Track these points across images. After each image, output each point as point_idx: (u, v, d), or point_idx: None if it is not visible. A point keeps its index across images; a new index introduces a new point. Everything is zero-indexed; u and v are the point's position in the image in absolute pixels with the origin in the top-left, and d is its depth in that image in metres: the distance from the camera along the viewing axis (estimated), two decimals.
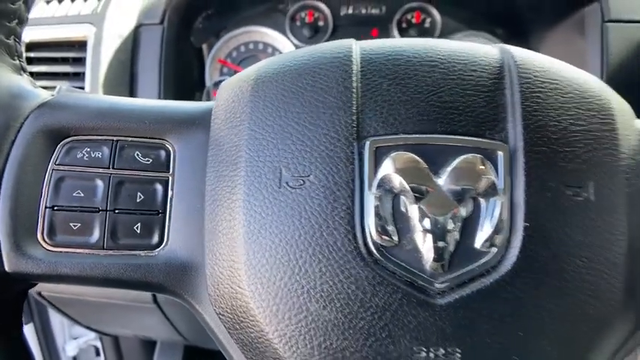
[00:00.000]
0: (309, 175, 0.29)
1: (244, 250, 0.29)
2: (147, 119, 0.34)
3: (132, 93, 0.86)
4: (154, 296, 0.88)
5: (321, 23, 1.02)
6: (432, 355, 0.28)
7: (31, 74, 0.89)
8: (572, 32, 0.86)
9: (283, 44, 1.03)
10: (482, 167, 0.29)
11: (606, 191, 0.30)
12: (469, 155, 0.29)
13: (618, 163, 0.31)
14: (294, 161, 0.29)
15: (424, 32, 1.00)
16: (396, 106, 0.30)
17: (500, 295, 0.28)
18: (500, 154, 0.29)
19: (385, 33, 1.02)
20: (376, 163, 0.29)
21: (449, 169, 0.29)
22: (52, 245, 0.31)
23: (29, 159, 0.31)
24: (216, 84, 1.02)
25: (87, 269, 0.31)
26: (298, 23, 1.02)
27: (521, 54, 0.34)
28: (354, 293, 0.28)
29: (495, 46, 0.35)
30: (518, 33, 0.99)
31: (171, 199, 0.32)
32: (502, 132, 0.30)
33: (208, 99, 1.01)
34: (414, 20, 1.02)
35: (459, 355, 0.28)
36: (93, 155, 0.32)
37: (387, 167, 0.29)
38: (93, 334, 1.48)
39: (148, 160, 0.33)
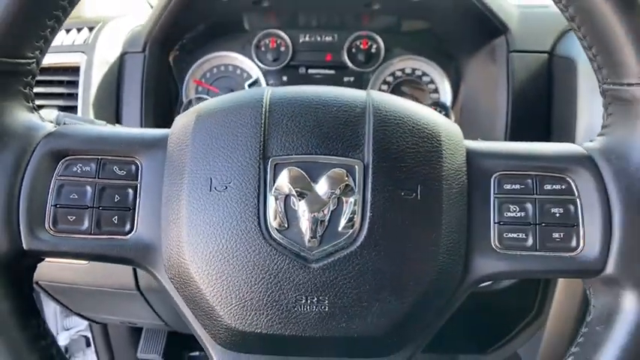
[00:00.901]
0: (230, 182, 0.45)
1: (186, 234, 0.44)
2: (123, 143, 0.50)
3: (117, 112, 1.02)
4: (137, 284, 1.03)
5: (282, 49, 1.19)
6: (309, 301, 0.44)
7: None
8: (487, 60, 1.03)
9: (250, 67, 1.19)
10: (345, 177, 0.45)
11: (429, 193, 0.44)
12: (337, 169, 0.45)
13: (440, 174, 0.46)
14: (221, 173, 0.45)
15: (370, 56, 1.17)
16: (291, 136, 0.46)
17: (355, 261, 0.43)
18: (356, 168, 0.45)
19: (338, 57, 1.19)
20: (275, 175, 0.45)
21: (323, 178, 0.45)
22: (55, 231, 0.46)
23: (40, 172, 0.45)
24: (190, 102, 1.17)
25: (79, 248, 0.46)
26: (263, 49, 1.18)
27: (380, 98, 0.49)
28: (258, 261, 0.43)
29: (365, 92, 0.51)
30: (449, 57, 1.16)
31: (139, 200, 0.48)
32: (360, 153, 0.45)
33: None
34: (362, 46, 1.18)
35: (326, 302, 0.44)
36: (84, 169, 0.46)
37: (283, 178, 0.44)
38: (83, 325, 1.62)
39: (123, 172, 0.48)
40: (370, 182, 0.43)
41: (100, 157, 0.47)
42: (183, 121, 0.50)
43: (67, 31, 1.06)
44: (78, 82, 1.00)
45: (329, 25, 1.17)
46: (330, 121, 0.46)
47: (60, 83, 1.03)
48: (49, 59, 1.02)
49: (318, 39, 1.19)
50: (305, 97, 0.49)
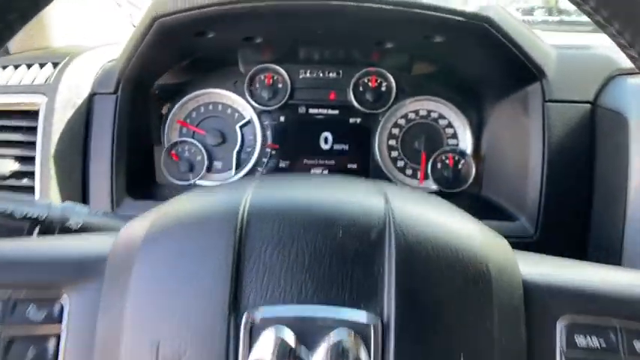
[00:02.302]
0: (185, 352, 0.30)
1: None
2: (43, 270, 0.35)
3: (84, 165, 0.86)
4: None
5: (279, 86, 1.04)
6: None
7: None
8: (518, 107, 0.88)
9: (242, 106, 1.04)
10: (354, 346, 0.30)
11: None
12: (343, 332, 0.30)
13: (490, 333, 0.32)
14: (172, 335, 0.30)
15: (380, 95, 1.03)
16: (277, 275, 0.31)
17: None
18: (372, 329, 0.30)
19: (343, 95, 1.04)
20: (251, 340, 0.30)
21: (322, 347, 0.30)
22: None
23: None
24: (174, 145, 1.02)
25: None
26: (257, 85, 1.04)
27: (405, 213, 0.35)
28: None
29: (383, 199, 0.36)
30: (471, 100, 1.01)
31: (63, 356, 0.33)
32: (377, 305, 0.31)
33: (166, 161, 1.02)
34: (370, 84, 1.04)
35: None
36: None
37: (263, 346, 0.30)
38: None
39: (41, 316, 0.34)
40: (392, 351, 0.30)
41: (9, 291, 0.33)
42: (129, 234, 0.35)
43: (29, 66, 0.90)
44: (37, 128, 0.85)
45: (333, 59, 1.02)
46: (333, 252, 0.32)
47: (18, 129, 0.88)
48: (5, 99, 0.87)
49: (321, 75, 1.04)
50: (298, 211, 0.34)
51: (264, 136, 1.04)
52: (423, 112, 1.04)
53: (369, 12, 0.67)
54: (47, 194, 0.84)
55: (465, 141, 1.03)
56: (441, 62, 0.93)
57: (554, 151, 0.82)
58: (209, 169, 1.03)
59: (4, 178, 0.86)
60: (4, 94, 0.87)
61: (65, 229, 0.56)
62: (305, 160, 1.05)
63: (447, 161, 1.02)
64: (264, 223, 0.33)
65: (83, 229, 0.58)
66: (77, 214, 0.58)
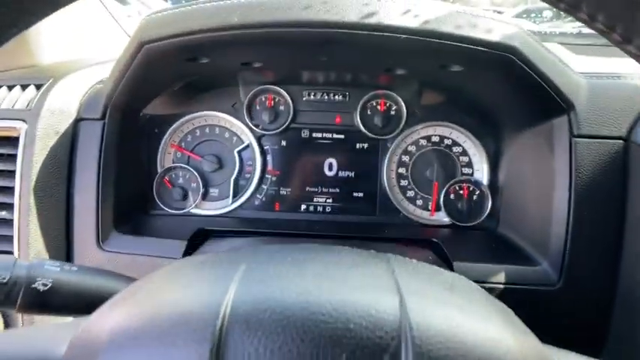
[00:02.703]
0: None
1: None
2: None
3: (68, 197, 0.80)
4: None
5: (281, 108, 0.97)
6: None
7: None
8: (542, 141, 0.80)
9: (241, 130, 0.97)
10: None
11: None
12: None
13: None
14: None
15: (389, 120, 0.95)
16: None
17: None
18: None
19: (349, 119, 0.97)
20: None
21: None
22: None
23: None
24: (168, 170, 0.95)
25: None
26: (258, 107, 0.96)
27: (420, 327, 0.28)
28: None
29: (397, 303, 0.29)
30: (488, 127, 0.93)
31: None
32: None
33: (159, 188, 0.95)
34: (378, 107, 0.96)
35: None
36: None
37: None
38: None
39: None
40: None
41: None
42: (89, 334, 0.30)
43: (10, 87, 0.84)
44: (16, 156, 0.78)
45: (339, 81, 0.95)
46: None
47: None
48: None
49: (326, 97, 0.97)
50: (290, 322, 0.28)
51: (263, 161, 0.97)
52: (435, 139, 0.96)
53: (380, 41, 0.60)
54: (26, 229, 0.77)
55: (481, 171, 0.95)
56: (456, 89, 0.85)
57: (582, 191, 0.75)
58: (205, 197, 0.96)
59: None
60: None
61: (31, 292, 0.49)
62: (307, 188, 0.98)
63: (461, 192, 0.95)
64: (247, 336, 0.26)
65: (53, 290, 0.51)
66: (46, 272, 0.51)
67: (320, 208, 0.97)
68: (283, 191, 0.98)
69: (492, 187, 0.94)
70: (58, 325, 0.39)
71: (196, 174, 0.95)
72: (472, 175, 0.96)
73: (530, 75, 0.70)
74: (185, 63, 0.73)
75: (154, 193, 0.94)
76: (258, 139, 0.97)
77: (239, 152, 0.97)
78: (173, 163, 0.96)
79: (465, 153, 0.96)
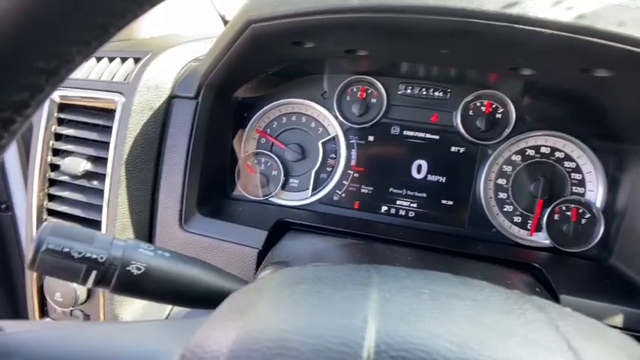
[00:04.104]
0: None
1: None
2: None
3: (156, 171, 0.80)
4: None
5: (373, 100, 0.90)
6: None
7: (60, 136, 0.83)
8: None
9: (328, 120, 0.92)
10: None
11: None
12: None
13: None
14: None
15: (493, 124, 0.85)
16: None
17: None
18: None
19: (447, 119, 0.88)
20: None
21: None
22: None
23: None
24: (250, 156, 0.93)
25: None
26: (348, 98, 0.91)
27: None
28: None
29: None
30: (612, 143, 0.81)
31: None
32: None
33: (240, 172, 0.93)
34: (483, 108, 0.87)
35: None
36: None
37: None
38: None
39: None
40: None
41: None
42: (201, 353, 0.25)
43: (110, 59, 0.85)
44: (112, 128, 0.79)
45: (441, 76, 0.86)
46: None
47: (95, 126, 0.83)
48: (84, 94, 0.82)
49: (424, 93, 0.89)
50: None
51: (348, 155, 0.91)
52: (545, 150, 0.85)
53: (521, 35, 0.51)
54: (115, 201, 0.78)
55: (596, 191, 0.83)
56: (585, 97, 0.73)
57: None
58: (284, 187, 0.93)
59: (77, 177, 0.82)
60: (83, 89, 0.81)
61: (125, 274, 0.48)
62: (391, 189, 0.91)
63: (568, 213, 0.83)
64: None
65: (146, 275, 0.49)
66: (140, 256, 0.49)
67: (402, 212, 0.91)
68: (365, 189, 0.92)
69: (607, 212, 0.82)
70: (165, 326, 0.36)
71: (279, 162, 0.92)
72: (584, 195, 0.84)
73: None
74: (289, 47, 0.68)
75: (235, 178, 0.92)
76: (345, 131, 0.91)
77: (324, 144, 0.92)
78: (256, 148, 0.94)
79: (578, 170, 0.84)
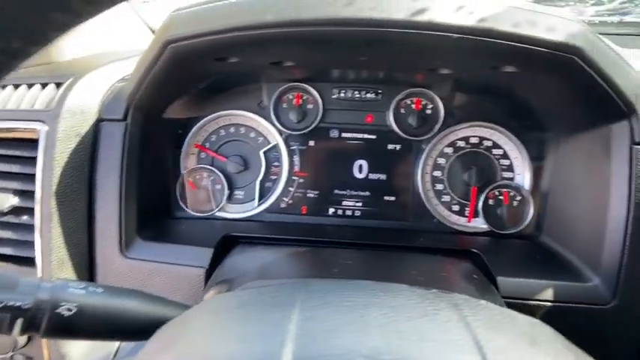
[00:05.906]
0: None
1: None
2: None
3: (90, 200, 0.76)
4: None
5: (310, 106, 0.91)
6: None
7: None
8: (596, 146, 0.74)
9: (267, 129, 0.92)
10: None
11: None
12: None
13: None
14: None
15: (424, 120, 0.89)
16: None
17: None
18: None
19: (381, 119, 0.91)
20: None
21: None
22: None
23: None
24: (191, 172, 0.91)
25: None
26: (285, 106, 0.91)
27: None
28: None
29: None
30: (533, 129, 0.87)
31: None
32: None
33: (182, 190, 0.91)
34: (413, 106, 0.90)
35: None
36: None
37: None
38: None
39: None
40: None
41: None
42: None
43: (30, 86, 0.80)
44: (37, 159, 0.75)
45: (371, 78, 0.89)
46: None
47: (17, 159, 0.78)
48: (2, 125, 0.77)
49: (357, 95, 0.91)
50: None
51: (291, 162, 0.92)
52: (474, 140, 0.90)
53: (431, 40, 0.54)
54: (48, 235, 0.74)
55: (523, 175, 0.89)
56: (502, 90, 0.78)
57: None
58: (230, 199, 0.92)
59: (3, 214, 0.77)
60: (1, 120, 0.77)
61: (56, 317, 0.46)
62: (336, 191, 0.93)
63: (501, 197, 0.89)
64: None
65: (79, 315, 0.47)
66: (70, 295, 0.47)
67: (349, 212, 0.93)
68: (311, 194, 0.93)
69: (535, 193, 0.88)
70: None
71: (221, 175, 0.91)
72: (513, 179, 0.89)
73: (591, 77, 0.63)
74: (213, 62, 0.68)
75: (177, 196, 0.91)
76: (285, 139, 0.92)
77: (265, 153, 0.92)
78: (197, 164, 0.92)
79: (505, 156, 0.90)
